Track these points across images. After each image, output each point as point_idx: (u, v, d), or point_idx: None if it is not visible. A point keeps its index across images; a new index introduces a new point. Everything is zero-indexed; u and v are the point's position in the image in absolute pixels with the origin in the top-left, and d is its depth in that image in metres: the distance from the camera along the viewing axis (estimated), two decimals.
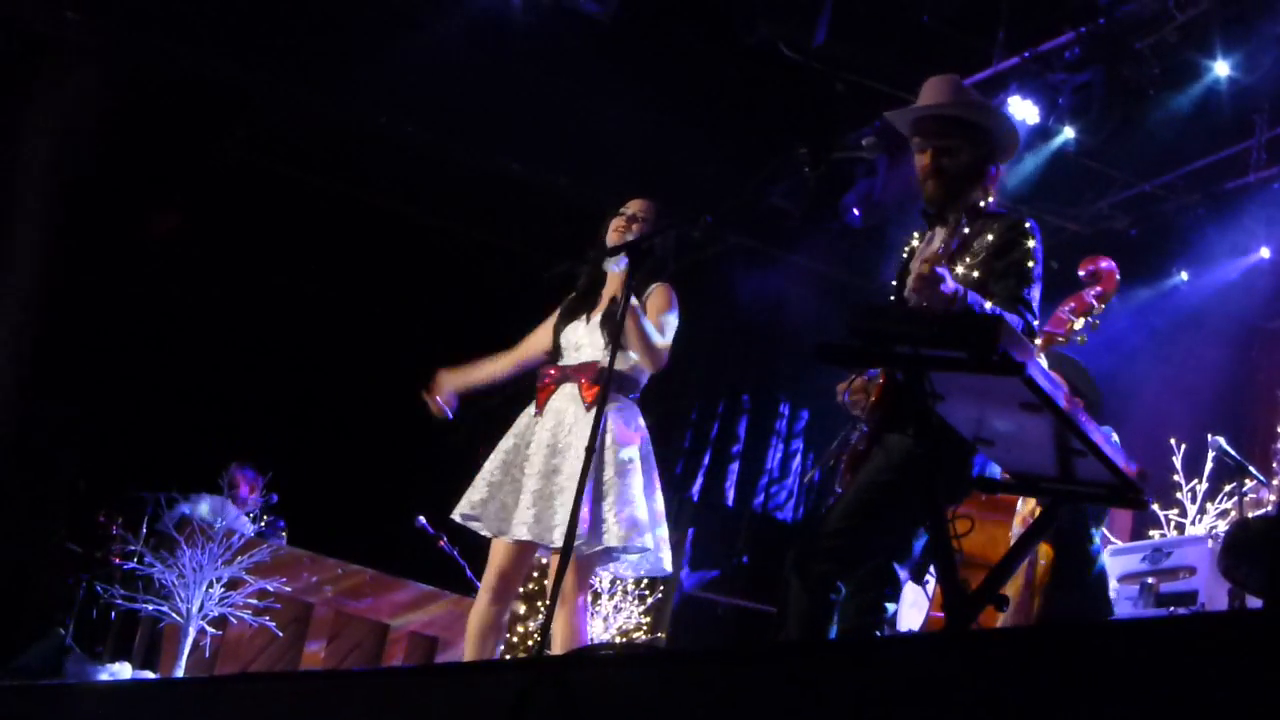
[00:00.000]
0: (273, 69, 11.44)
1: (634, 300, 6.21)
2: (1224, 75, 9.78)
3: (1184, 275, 11.38)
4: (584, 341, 6.51)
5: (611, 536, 6.18)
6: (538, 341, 6.77)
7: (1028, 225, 5.08)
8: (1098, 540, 6.08)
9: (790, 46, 10.50)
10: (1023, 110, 10.05)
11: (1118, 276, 6.39)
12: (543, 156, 12.11)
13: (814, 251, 12.86)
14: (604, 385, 5.95)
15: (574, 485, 5.78)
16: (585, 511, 5.95)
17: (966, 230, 5.09)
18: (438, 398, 6.69)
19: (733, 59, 11.09)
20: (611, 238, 6.59)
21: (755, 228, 12.72)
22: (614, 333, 5.97)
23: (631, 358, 6.40)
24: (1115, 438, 6.94)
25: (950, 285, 4.71)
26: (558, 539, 5.95)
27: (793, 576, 4.87)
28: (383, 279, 12.94)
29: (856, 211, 11.41)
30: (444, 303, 12.93)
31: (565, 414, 6.37)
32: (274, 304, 12.52)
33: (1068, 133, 10.25)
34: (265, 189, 12.44)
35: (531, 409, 6.50)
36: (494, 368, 6.84)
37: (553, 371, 6.51)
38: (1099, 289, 6.28)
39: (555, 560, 5.83)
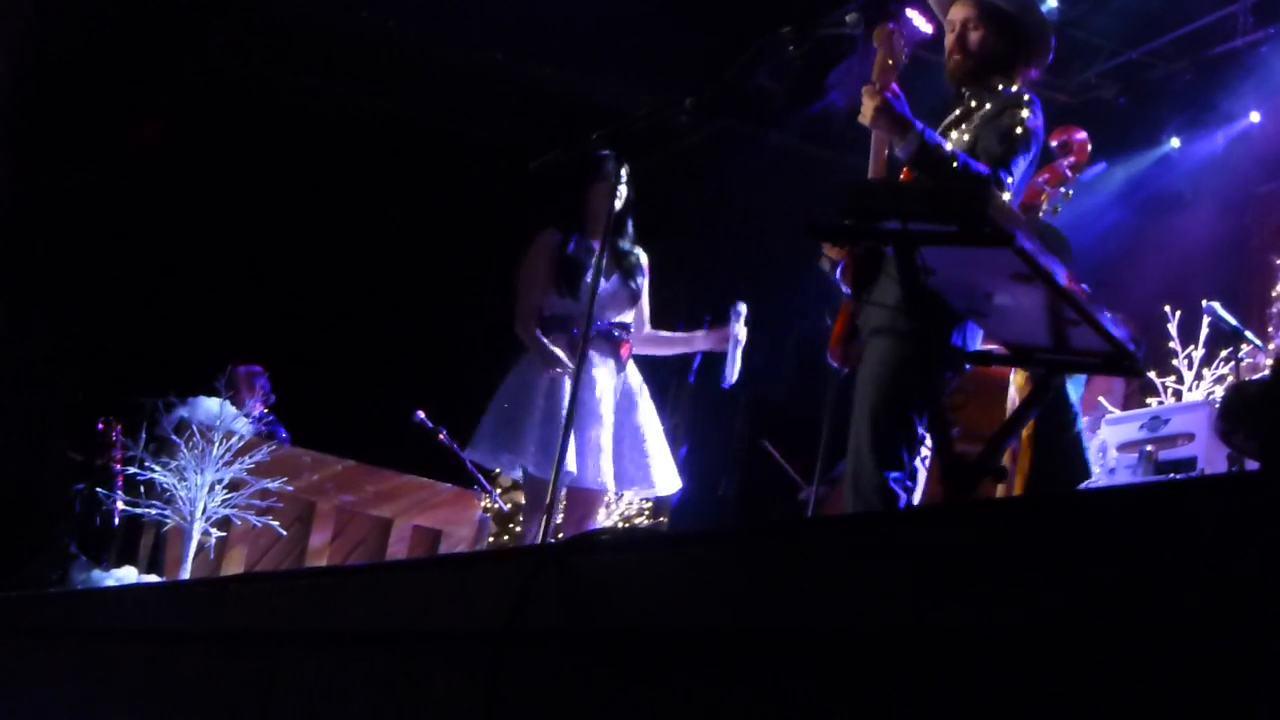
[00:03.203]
0: None
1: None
2: None
3: (1175, 142, 11.36)
4: (607, 303, 6.86)
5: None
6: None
7: (1026, 97, 5.11)
8: (1075, 400, 6.08)
9: None
10: None
11: (1090, 147, 6.46)
12: (527, 46, 12.01)
13: (801, 132, 12.74)
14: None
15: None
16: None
17: (974, 103, 5.12)
18: None
19: None
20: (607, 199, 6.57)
21: (741, 110, 12.61)
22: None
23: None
24: None
25: (901, 106, 4.75)
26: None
27: (852, 496, 4.87)
28: (371, 176, 12.88)
29: (839, 90, 11.33)
30: (433, 199, 12.88)
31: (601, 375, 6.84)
32: (266, 205, 12.47)
33: (1051, 2, 10.17)
34: (251, 89, 12.39)
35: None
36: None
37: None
38: (1072, 159, 6.34)
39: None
